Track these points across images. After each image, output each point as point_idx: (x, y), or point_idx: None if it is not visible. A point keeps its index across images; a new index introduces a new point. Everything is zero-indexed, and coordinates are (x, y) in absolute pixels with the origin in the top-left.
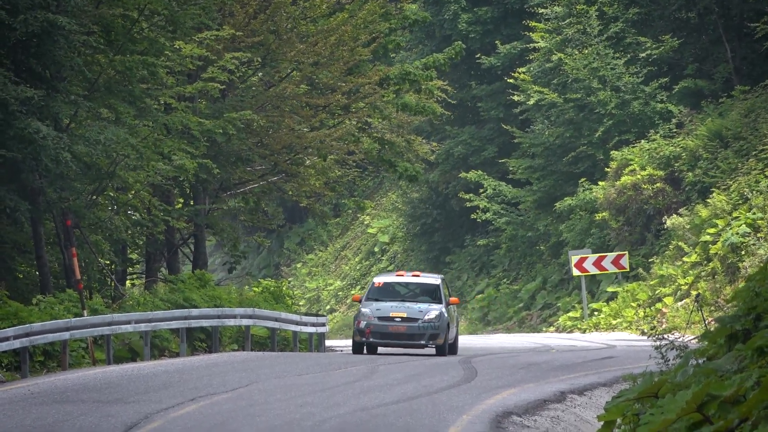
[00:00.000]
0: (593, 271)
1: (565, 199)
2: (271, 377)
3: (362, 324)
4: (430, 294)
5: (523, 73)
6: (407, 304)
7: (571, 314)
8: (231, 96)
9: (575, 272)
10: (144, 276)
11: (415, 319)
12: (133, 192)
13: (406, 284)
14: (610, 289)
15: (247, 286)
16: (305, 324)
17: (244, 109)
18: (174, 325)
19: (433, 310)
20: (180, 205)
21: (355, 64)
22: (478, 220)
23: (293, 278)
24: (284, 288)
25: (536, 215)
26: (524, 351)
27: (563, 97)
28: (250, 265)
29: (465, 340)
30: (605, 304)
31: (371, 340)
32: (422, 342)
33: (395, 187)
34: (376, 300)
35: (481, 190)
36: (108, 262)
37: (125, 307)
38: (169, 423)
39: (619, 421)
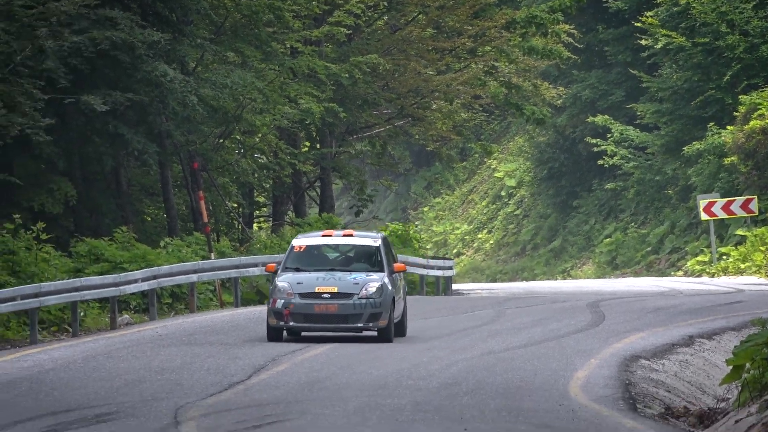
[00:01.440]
0: (722, 215)
1: (694, 143)
2: None
3: (278, 303)
4: (369, 259)
5: (651, 16)
6: (338, 274)
7: (699, 258)
8: (357, 40)
9: (704, 216)
10: (271, 219)
11: (349, 295)
12: (259, 135)
13: (337, 247)
14: (739, 233)
15: (374, 229)
16: (432, 267)
17: (370, 53)
18: None
19: (372, 282)
20: (306, 149)
21: (481, 7)
22: (605, 165)
23: (420, 222)
24: (411, 232)
25: (664, 159)
26: (652, 295)
27: (691, 41)
28: (377, 208)
29: (592, 285)
30: (734, 248)
31: (291, 323)
32: (359, 324)
33: (522, 131)
34: (297, 270)
35: (609, 135)
36: (235, 205)
37: (252, 249)
38: (296, 365)
39: (747, 365)
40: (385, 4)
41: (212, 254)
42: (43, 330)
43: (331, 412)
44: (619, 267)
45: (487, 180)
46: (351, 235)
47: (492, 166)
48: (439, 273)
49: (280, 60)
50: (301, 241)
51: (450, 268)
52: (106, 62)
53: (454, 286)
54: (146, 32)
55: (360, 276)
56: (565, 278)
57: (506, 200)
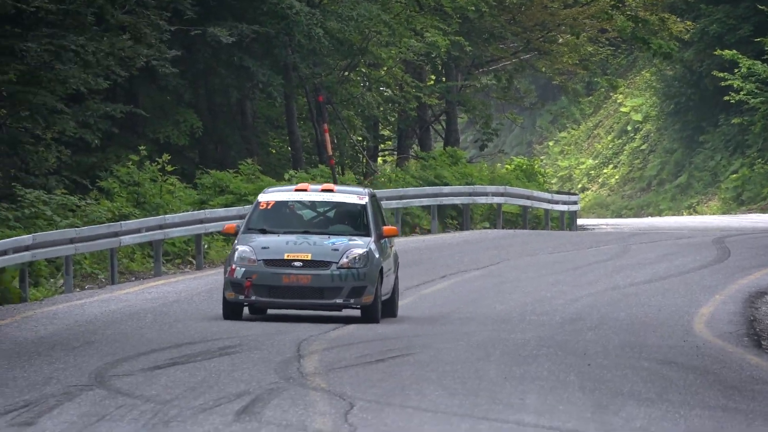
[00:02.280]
0: None
1: None
2: (523, 255)
3: (237, 272)
4: (352, 220)
5: None
6: (313, 238)
7: None
8: None
9: None
10: (395, 153)
11: (326, 263)
12: (385, 68)
13: (313, 204)
14: None
15: (498, 164)
16: (557, 202)
17: None
18: (425, 202)
19: (355, 248)
20: (432, 82)
21: None
22: (732, 100)
23: (545, 156)
24: (536, 166)
25: None
26: None
27: None
28: (502, 142)
29: (717, 221)
30: None
31: (253, 298)
32: (338, 300)
33: (649, 65)
34: (263, 232)
35: (736, 70)
36: (360, 138)
37: (377, 183)
38: (420, 299)
39: None
40: None
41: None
42: (167, 262)
43: (454, 346)
44: (745, 203)
45: (612, 114)
46: (331, 191)
47: (618, 101)
48: (563, 208)
49: None
50: (268, 197)
51: (575, 203)
52: None
53: (579, 221)
54: None
55: (340, 241)
56: (690, 214)
57: (632, 135)
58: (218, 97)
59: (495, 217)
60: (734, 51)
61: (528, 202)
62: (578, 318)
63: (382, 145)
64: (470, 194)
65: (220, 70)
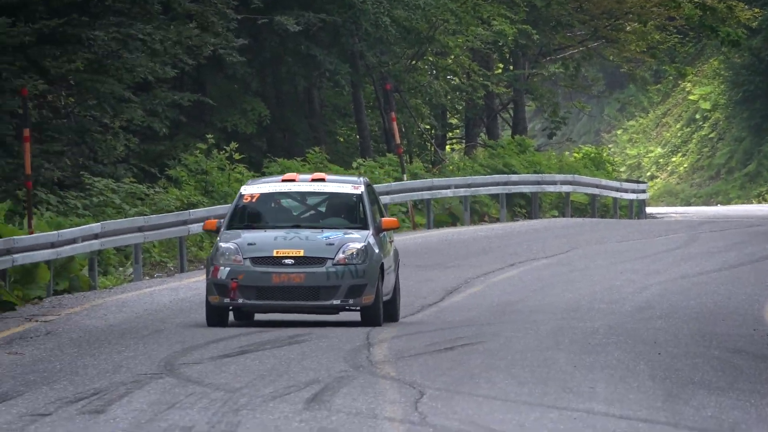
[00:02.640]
0: None
1: None
2: (591, 243)
3: (222, 272)
4: (347, 212)
5: None
6: (305, 232)
7: None
8: None
9: None
10: (463, 141)
11: (321, 260)
12: (452, 57)
13: (303, 196)
14: None
15: (567, 152)
16: (626, 191)
17: None
18: (493, 190)
19: (352, 242)
20: (499, 71)
21: None
22: None
23: (613, 145)
24: (604, 154)
25: None
26: None
27: None
28: (570, 131)
29: None
30: None
31: (241, 301)
32: (334, 301)
33: (717, 53)
34: (248, 227)
35: None
36: (427, 126)
37: (445, 171)
38: (488, 287)
39: None
40: None
41: (405, 175)
42: None
43: (524, 335)
44: None
45: (681, 103)
46: (322, 180)
47: (686, 89)
48: (632, 196)
49: None
50: (252, 188)
51: (643, 191)
52: None
53: (648, 210)
54: None
55: (335, 235)
56: (760, 202)
57: (700, 123)
58: (285, 85)
59: (563, 206)
60: None
61: (596, 191)
62: (647, 306)
63: (450, 134)
64: (538, 183)
65: (287, 58)
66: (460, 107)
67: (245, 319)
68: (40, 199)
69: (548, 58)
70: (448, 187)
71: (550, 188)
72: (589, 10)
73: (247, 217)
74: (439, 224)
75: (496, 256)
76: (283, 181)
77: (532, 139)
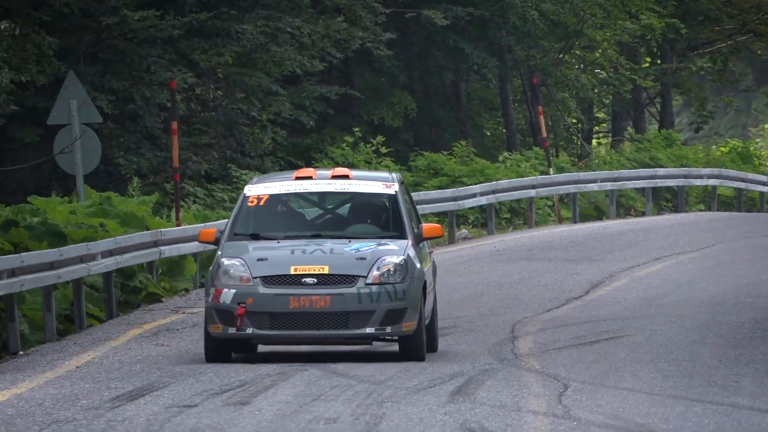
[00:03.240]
0: None
1: None
2: (737, 238)
3: (225, 296)
4: (378, 217)
5: None
6: (328, 244)
7: None
8: None
9: None
10: (610, 135)
11: (351, 279)
12: (599, 51)
13: (322, 198)
14: None
15: (713, 146)
16: None
17: None
18: (640, 184)
19: (389, 255)
20: (647, 64)
21: None
22: None
23: (761, 139)
24: (752, 149)
25: None
26: None
27: None
28: (717, 125)
29: None
30: None
31: (251, 330)
32: (368, 330)
33: None
34: (255, 237)
35: None
36: (574, 120)
37: (591, 165)
38: (633, 281)
39: None
40: None
41: (551, 169)
42: None
43: (669, 328)
44: None
45: None
46: (346, 177)
47: None
48: None
49: None
50: (259, 188)
51: None
52: None
53: None
54: None
55: (366, 246)
56: None
57: None
58: (433, 78)
59: (710, 200)
60: None
61: (743, 185)
62: None
63: (597, 128)
64: (685, 176)
65: (434, 52)
66: (607, 101)
67: (246, 351)
68: (188, 192)
69: (696, 52)
70: (594, 181)
71: (697, 182)
72: (738, 4)
73: (254, 224)
74: (584, 218)
75: (642, 250)
76: (297, 178)
77: (678, 133)
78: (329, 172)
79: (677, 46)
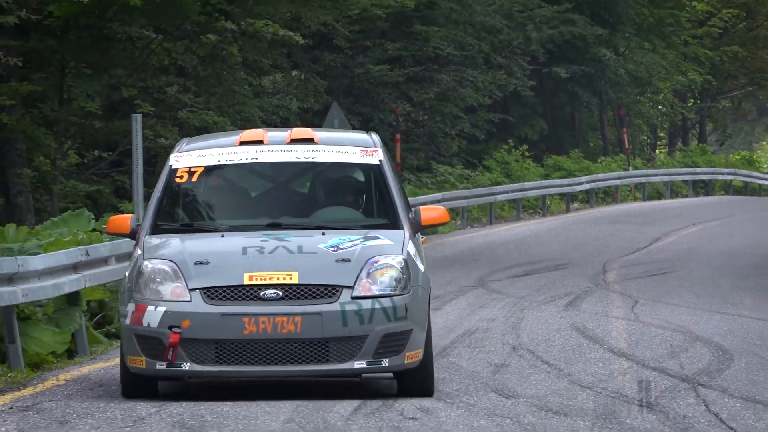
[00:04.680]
0: None
1: None
2: (746, 212)
3: (149, 317)
4: (360, 197)
5: None
6: (293, 237)
7: None
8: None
9: None
10: (667, 147)
11: (331, 290)
12: (662, 94)
13: (277, 170)
14: None
15: (731, 155)
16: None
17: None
18: (684, 177)
19: (382, 254)
20: (691, 103)
21: None
22: None
23: (761, 150)
24: (754, 157)
25: None
26: None
27: None
28: (733, 142)
29: None
30: None
31: (187, 367)
32: (357, 364)
33: None
34: (187, 228)
35: None
36: (645, 137)
37: (655, 165)
38: (679, 238)
39: None
40: None
41: (630, 167)
42: (524, 212)
43: (700, 267)
44: None
45: None
46: (311, 140)
47: None
48: None
49: (678, 48)
50: (189, 159)
51: None
52: (568, 46)
53: None
54: (593, 28)
55: (348, 240)
56: None
57: None
58: (558, 110)
59: (728, 188)
60: None
61: (749, 179)
62: None
63: (659, 142)
64: (713, 173)
65: (559, 93)
66: (666, 125)
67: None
68: (407, 178)
69: (722, 96)
70: (656, 175)
71: (719, 177)
72: (749, 66)
73: (185, 209)
74: (650, 198)
75: (685, 219)
76: (243, 143)
77: (709, 146)
78: (286, 134)
79: (710, 93)
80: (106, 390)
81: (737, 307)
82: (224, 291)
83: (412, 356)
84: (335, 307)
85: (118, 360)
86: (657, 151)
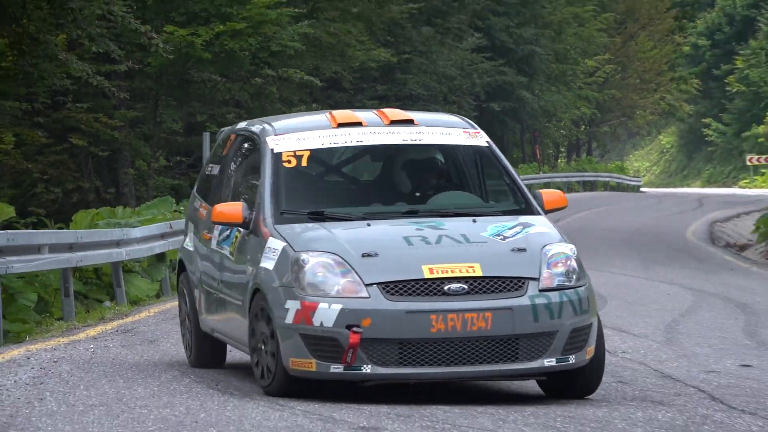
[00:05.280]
0: None
1: None
2: (620, 203)
3: (322, 315)
4: (471, 180)
5: None
6: (446, 224)
7: None
8: None
9: None
10: (566, 157)
11: (517, 282)
12: (563, 122)
13: (386, 153)
14: None
15: (609, 164)
16: (632, 180)
17: None
18: (577, 179)
19: (550, 241)
20: (584, 128)
21: None
22: None
23: (630, 160)
24: (625, 165)
25: None
26: None
27: None
28: (612, 154)
29: None
30: None
31: (368, 369)
32: (547, 362)
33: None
34: (318, 217)
35: None
36: (551, 151)
37: (557, 170)
38: (572, 220)
39: (761, 225)
40: None
41: (540, 172)
42: None
43: (586, 239)
44: None
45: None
46: (411, 122)
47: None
48: (636, 183)
49: (575, 91)
50: (289, 142)
51: (639, 181)
52: (501, 89)
53: (642, 189)
54: (518, 77)
55: (507, 227)
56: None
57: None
58: (493, 134)
59: (606, 186)
60: None
61: (622, 180)
62: (641, 227)
63: (560, 155)
64: (596, 176)
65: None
66: (565, 143)
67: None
68: None
69: (603, 124)
70: (558, 177)
71: (601, 179)
72: (623, 103)
73: (303, 195)
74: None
75: (577, 208)
76: (341, 125)
77: (594, 158)
78: (375, 115)
79: (595, 121)
80: None
81: (610, 266)
82: (405, 286)
83: (590, 352)
84: (524, 301)
85: None
86: (558, 160)
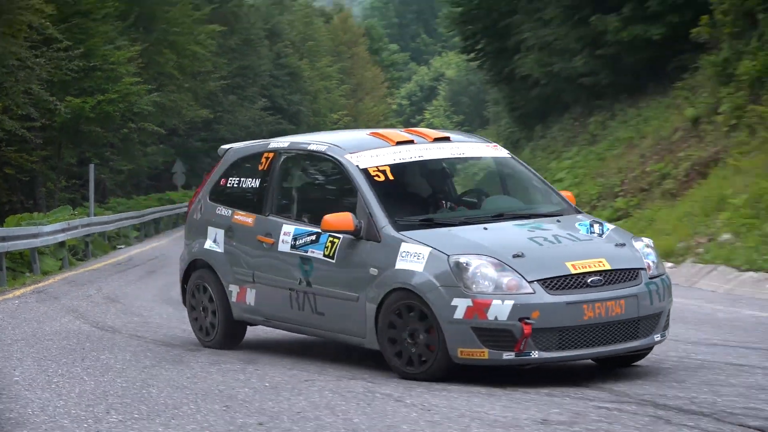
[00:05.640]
0: None
1: None
2: None
3: (495, 310)
4: (491, 182)
5: None
6: (545, 225)
7: None
8: None
9: None
10: None
11: (634, 273)
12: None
13: (441, 164)
14: None
15: None
16: None
17: None
18: None
19: (627, 237)
20: None
21: None
22: None
23: None
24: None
25: None
26: None
27: None
28: None
29: None
30: None
31: (536, 354)
32: (657, 337)
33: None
34: (429, 223)
35: None
36: None
37: None
38: None
39: None
40: None
41: None
42: None
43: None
44: None
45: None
46: (448, 139)
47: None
48: None
49: None
50: (367, 159)
51: None
52: None
53: None
54: None
55: (584, 226)
56: None
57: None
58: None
59: None
60: None
61: None
62: None
63: None
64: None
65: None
66: None
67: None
68: None
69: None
70: None
71: None
72: None
73: (405, 206)
74: None
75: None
76: (399, 143)
77: None
78: (419, 135)
79: None
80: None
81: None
82: (558, 281)
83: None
84: (643, 288)
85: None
86: None
